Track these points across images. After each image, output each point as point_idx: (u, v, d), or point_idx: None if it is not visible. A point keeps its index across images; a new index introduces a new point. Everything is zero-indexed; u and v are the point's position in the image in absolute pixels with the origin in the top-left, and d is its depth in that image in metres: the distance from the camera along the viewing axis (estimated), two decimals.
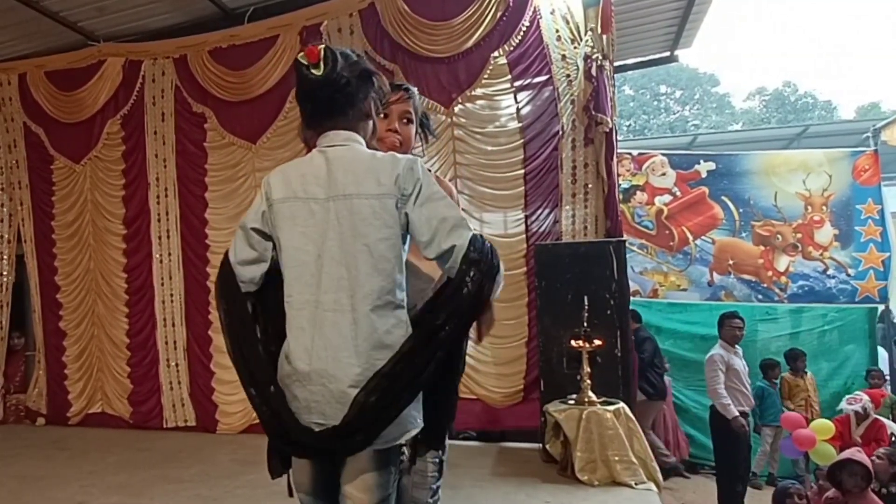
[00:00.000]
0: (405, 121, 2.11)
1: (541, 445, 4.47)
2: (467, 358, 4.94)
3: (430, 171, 1.78)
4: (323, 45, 1.68)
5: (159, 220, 6.07)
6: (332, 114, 1.73)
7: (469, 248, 1.59)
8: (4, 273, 6.58)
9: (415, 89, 2.17)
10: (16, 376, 6.67)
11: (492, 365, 5.09)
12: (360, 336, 1.58)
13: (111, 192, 6.25)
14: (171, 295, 6.02)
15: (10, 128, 6.57)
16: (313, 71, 1.69)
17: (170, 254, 6.04)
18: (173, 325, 6.00)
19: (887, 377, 6.49)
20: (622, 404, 4.14)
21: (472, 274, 1.58)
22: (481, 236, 1.64)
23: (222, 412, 5.78)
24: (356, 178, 1.65)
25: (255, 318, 1.75)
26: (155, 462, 4.89)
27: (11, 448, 5.49)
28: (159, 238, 6.07)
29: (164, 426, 5.94)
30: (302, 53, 1.70)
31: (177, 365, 5.98)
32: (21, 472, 4.68)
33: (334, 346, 1.59)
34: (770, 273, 6.63)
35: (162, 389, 5.99)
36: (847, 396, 5.62)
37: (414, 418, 1.67)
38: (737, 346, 5.42)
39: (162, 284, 6.04)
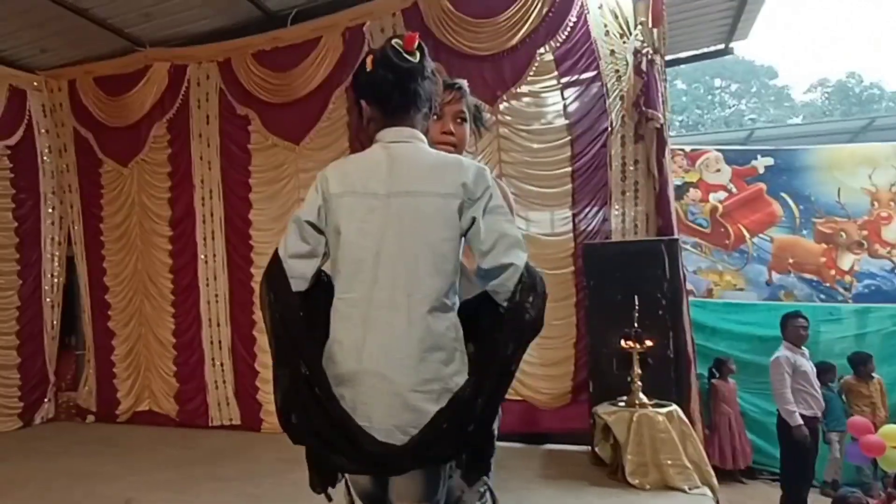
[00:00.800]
0: (459, 121, 2.11)
1: (590, 448, 4.50)
2: None
3: (497, 180, 1.82)
4: (417, 34, 1.73)
5: (204, 222, 6.33)
6: (411, 107, 1.73)
7: (524, 272, 1.59)
8: (55, 274, 6.93)
9: (465, 85, 2.15)
10: (67, 375, 7.03)
11: (539, 366, 5.14)
12: (415, 337, 1.58)
13: (157, 195, 6.54)
14: (216, 295, 6.26)
15: (61, 133, 6.94)
16: (409, 58, 1.70)
17: (215, 255, 6.28)
18: (218, 325, 6.24)
19: None
20: (675, 407, 4.15)
21: (531, 300, 1.58)
22: (531, 262, 1.65)
23: (266, 411, 5.98)
24: (421, 176, 1.65)
25: (304, 317, 1.68)
26: (201, 460, 5.10)
27: (62, 444, 5.80)
28: (204, 239, 6.32)
29: (210, 424, 6.18)
30: (397, 39, 1.71)
31: (222, 364, 6.21)
32: (71, 469, 4.94)
33: (387, 346, 1.59)
34: (833, 272, 6.48)
35: (207, 388, 6.24)
36: None
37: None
38: (803, 346, 5.32)
39: (207, 285, 6.29)
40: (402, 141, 1.73)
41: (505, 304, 1.60)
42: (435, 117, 2.07)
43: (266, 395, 6.00)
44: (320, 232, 1.71)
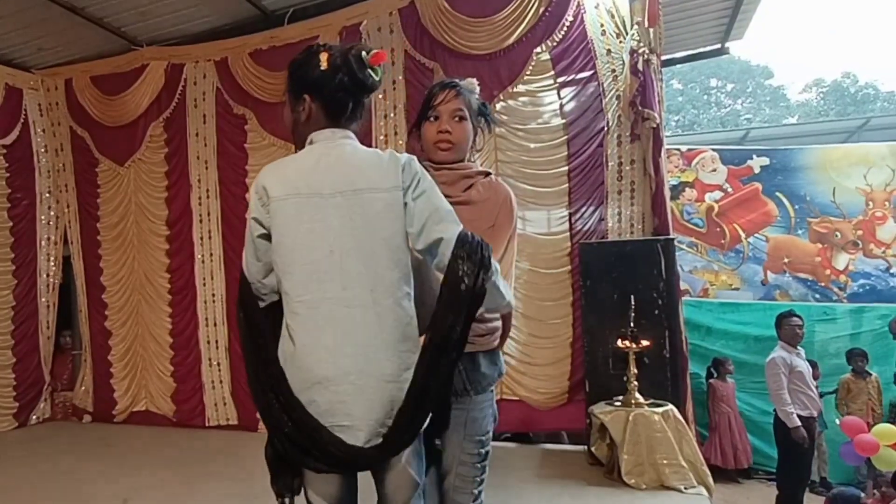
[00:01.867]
0: (457, 118, 2.07)
1: (586, 448, 4.50)
2: (510, 359, 5.03)
3: (498, 179, 1.91)
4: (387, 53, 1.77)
5: (201, 221, 6.31)
6: (357, 118, 1.78)
7: (457, 242, 1.60)
8: (51, 274, 6.90)
9: (465, 82, 2.13)
10: (63, 374, 6.99)
11: (535, 366, 5.14)
12: (386, 329, 1.61)
13: (154, 194, 6.51)
14: (213, 295, 6.24)
15: (57, 132, 6.91)
16: (373, 74, 1.73)
17: (211, 254, 6.26)
18: (215, 324, 6.22)
19: None
20: (671, 406, 4.15)
21: (465, 268, 1.58)
22: (470, 232, 1.64)
23: None
24: (364, 173, 1.67)
25: (270, 328, 1.72)
26: (198, 460, 5.09)
27: (59, 445, 5.79)
28: (201, 239, 6.30)
29: (207, 424, 6.16)
30: (367, 53, 1.72)
31: (219, 364, 6.19)
32: (68, 469, 4.92)
33: (361, 343, 1.60)
34: (828, 272, 6.50)
35: (204, 388, 6.22)
36: None
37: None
38: (798, 346, 5.33)
39: (204, 284, 6.27)
40: (336, 141, 1.73)
41: (442, 270, 1.63)
42: (432, 118, 2.07)
43: None
44: (270, 239, 1.71)
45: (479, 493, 2.01)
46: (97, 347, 6.74)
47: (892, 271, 6.43)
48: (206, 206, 6.30)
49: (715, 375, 6.33)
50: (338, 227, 1.63)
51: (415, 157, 1.72)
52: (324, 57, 1.72)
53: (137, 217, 6.59)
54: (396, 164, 1.67)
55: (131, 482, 4.54)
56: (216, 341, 6.21)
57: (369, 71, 1.72)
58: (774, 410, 5.25)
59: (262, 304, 1.75)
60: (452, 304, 1.60)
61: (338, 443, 1.59)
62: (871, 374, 6.07)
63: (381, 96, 5.60)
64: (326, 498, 1.76)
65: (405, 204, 1.65)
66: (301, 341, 1.64)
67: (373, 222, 1.63)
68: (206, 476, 4.63)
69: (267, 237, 1.70)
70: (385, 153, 1.72)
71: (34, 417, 6.65)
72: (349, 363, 1.60)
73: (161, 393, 6.41)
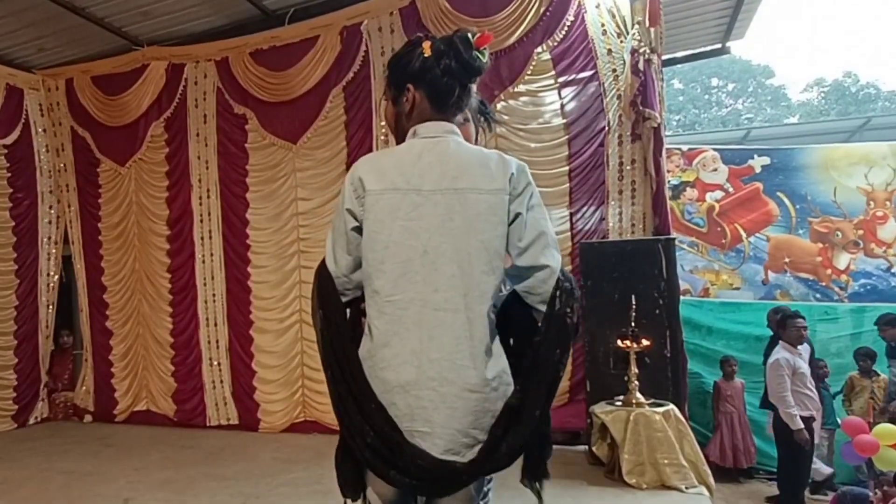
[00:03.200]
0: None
1: (587, 447, 4.50)
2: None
3: None
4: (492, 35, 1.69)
5: (202, 221, 6.32)
6: (462, 103, 1.69)
7: (561, 276, 1.55)
8: (51, 273, 6.91)
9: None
10: (64, 374, 7.01)
11: None
12: (476, 338, 1.53)
13: (155, 194, 6.52)
14: (214, 295, 6.25)
15: (58, 132, 6.92)
16: (480, 56, 1.64)
17: (212, 254, 6.27)
18: (215, 324, 6.23)
19: None
20: (672, 406, 4.15)
21: (573, 305, 1.54)
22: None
23: (264, 411, 5.97)
24: (468, 172, 1.58)
25: (350, 327, 1.66)
26: (199, 459, 5.10)
27: (60, 444, 5.79)
28: (202, 239, 6.31)
29: (208, 424, 6.17)
30: (473, 35, 1.64)
31: (219, 364, 6.20)
32: (69, 468, 4.93)
33: (448, 349, 1.52)
34: (829, 271, 6.48)
35: (205, 388, 6.23)
36: None
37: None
38: (799, 346, 5.30)
39: (204, 284, 6.28)
40: (440, 136, 1.65)
41: (543, 307, 1.56)
42: None
43: (263, 394, 6.00)
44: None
45: (488, 491, 1.98)
46: (98, 347, 6.75)
47: (893, 271, 6.41)
48: (207, 205, 6.31)
49: (721, 375, 6.29)
50: (435, 226, 1.55)
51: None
52: (426, 45, 1.66)
53: (138, 217, 6.61)
54: (505, 168, 1.60)
55: (132, 482, 4.54)
56: (217, 341, 6.22)
57: (476, 52, 1.63)
58: (775, 411, 5.22)
59: (343, 300, 1.66)
60: (561, 340, 1.55)
61: (421, 454, 1.50)
62: (878, 374, 6.05)
63: (381, 96, 5.57)
64: (383, 498, 1.68)
65: (515, 213, 1.58)
66: (386, 342, 1.56)
67: (473, 223, 1.55)
68: (207, 476, 4.63)
69: (359, 230, 1.61)
70: (493, 153, 1.65)
71: (33, 418, 6.67)
72: (434, 369, 1.52)
73: (161, 393, 6.42)
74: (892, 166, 6.56)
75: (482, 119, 2.14)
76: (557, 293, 1.54)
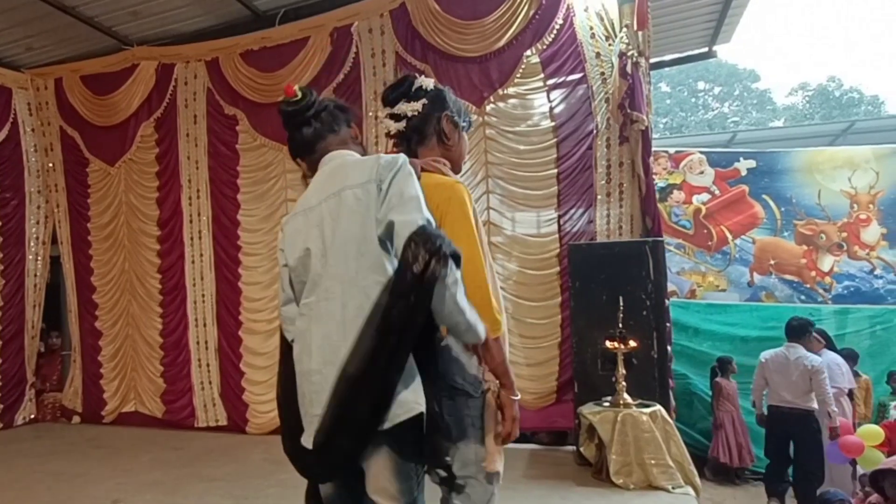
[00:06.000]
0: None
1: (575, 448, 4.49)
2: None
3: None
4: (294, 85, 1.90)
5: (192, 222, 6.26)
6: (317, 138, 1.90)
7: (416, 230, 1.58)
8: (38, 274, 6.81)
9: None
10: (53, 375, 6.92)
11: (524, 366, 5.12)
12: (348, 317, 1.61)
13: (145, 194, 6.45)
14: (203, 295, 6.19)
15: (47, 132, 6.84)
16: (292, 101, 1.90)
17: (202, 255, 6.21)
18: (205, 325, 6.17)
19: None
20: (659, 406, 4.14)
21: (420, 254, 1.55)
22: (434, 226, 1.64)
23: (253, 412, 5.92)
24: (341, 174, 1.74)
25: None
26: (188, 461, 5.04)
27: (48, 446, 5.72)
28: (192, 239, 6.25)
29: (196, 426, 6.10)
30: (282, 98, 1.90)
31: (208, 365, 6.15)
32: (57, 470, 4.85)
33: (327, 333, 1.63)
34: (813, 273, 6.50)
35: (194, 389, 6.16)
36: (895, 404, 5.51)
37: (409, 400, 1.62)
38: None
39: (194, 285, 6.22)
40: (329, 161, 1.85)
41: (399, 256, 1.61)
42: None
43: (252, 395, 5.95)
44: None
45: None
46: (87, 348, 6.67)
47: (875, 273, 6.44)
48: (197, 206, 6.25)
49: (720, 374, 6.31)
50: (318, 231, 1.71)
51: (404, 157, 1.72)
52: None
53: (128, 217, 6.53)
54: (376, 161, 1.71)
55: (121, 483, 4.48)
56: (206, 342, 6.16)
57: (289, 101, 1.88)
58: (810, 412, 5.24)
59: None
60: (395, 288, 1.57)
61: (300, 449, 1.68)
62: (859, 375, 6.09)
63: (371, 97, 5.58)
64: (324, 498, 1.79)
65: (384, 190, 1.66)
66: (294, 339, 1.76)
67: (346, 217, 1.67)
68: (196, 478, 4.58)
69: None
70: (370, 157, 1.76)
71: (20, 418, 6.57)
72: (320, 354, 1.64)
73: (150, 394, 6.35)
74: (874, 169, 6.59)
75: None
76: (405, 246, 1.58)
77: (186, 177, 6.29)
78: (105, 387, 6.56)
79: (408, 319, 1.56)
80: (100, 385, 6.58)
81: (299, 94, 1.86)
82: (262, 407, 5.88)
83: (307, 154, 1.89)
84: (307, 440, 1.65)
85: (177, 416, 6.19)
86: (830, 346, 5.79)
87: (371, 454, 1.64)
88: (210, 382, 6.13)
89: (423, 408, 1.62)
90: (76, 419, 6.64)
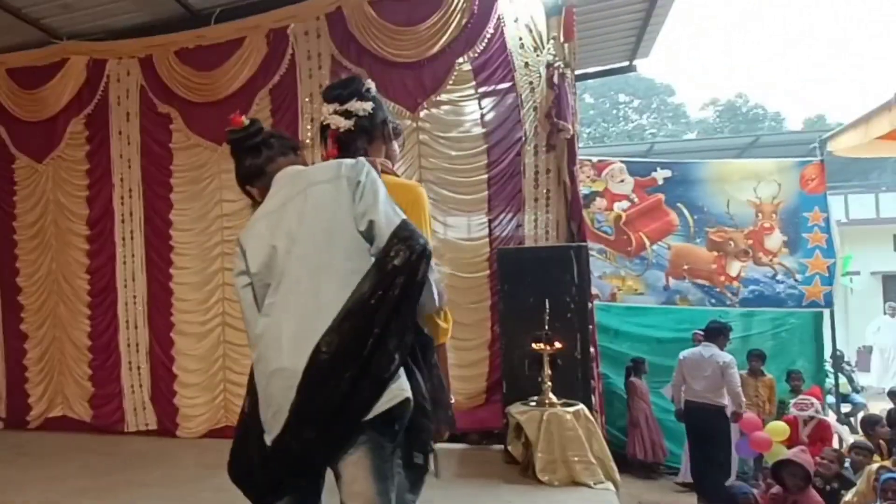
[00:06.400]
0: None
1: (503, 447, 4.40)
2: None
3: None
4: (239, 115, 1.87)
5: (123, 222, 5.84)
6: (266, 163, 1.87)
7: (398, 227, 1.59)
8: None
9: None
10: None
11: (455, 367, 4.95)
12: (323, 309, 1.54)
13: (74, 193, 5.99)
14: (135, 297, 5.79)
15: None
16: (238, 130, 1.89)
17: (133, 255, 5.81)
18: (136, 327, 5.77)
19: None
20: (581, 405, 4.09)
21: (399, 248, 1.56)
22: (413, 224, 1.65)
23: (184, 416, 5.57)
24: (309, 175, 1.73)
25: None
26: (118, 466, 4.70)
27: None
28: (123, 239, 5.84)
29: (126, 430, 5.70)
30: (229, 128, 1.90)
31: (139, 368, 5.74)
32: None
33: (300, 323, 1.56)
34: (723, 278, 6.63)
35: (123, 393, 5.75)
36: (795, 401, 5.67)
37: (393, 388, 1.56)
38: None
39: (125, 286, 5.81)
40: (284, 173, 1.80)
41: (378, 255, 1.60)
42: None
43: (184, 398, 5.59)
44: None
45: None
46: (11, 351, 6.15)
47: (777, 278, 6.63)
48: (129, 205, 5.84)
49: (633, 374, 6.36)
50: (293, 225, 1.65)
51: (365, 160, 1.74)
52: None
53: (56, 216, 6.04)
54: (339, 163, 1.72)
55: (47, 491, 4.13)
56: (136, 344, 5.76)
57: (235, 131, 1.87)
58: (719, 407, 5.31)
59: None
60: (377, 279, 1.55)
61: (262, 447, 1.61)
62: (764, 375, 6.24)
63: (307, 100, 5.36)
64: None
65: (356, 183, 1.65)
66: (259, 332, 1.66)
67: (310, 211, 1.64)
68: (127, 483, 4.27)
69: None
70: (331, 161, 1.81)
71: None
72: (290, 346, 1.55)
73: (78, 398, 5.88)
74: (777, 181, 6.78)
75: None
76: (394, 239, 1.58)
77: (118, 175, 5.86)
78: (30, 391, 6.04)
79: (392, 310, 1.53)
80: (24, 389, 6.05)
81: (246, 122, 1.84)
82: (194, 410, 5.54)
83: (258, 178, 1.83)
84: (269, 437, 1.56)
85: (106, 421, 5.76)
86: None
87: (347, 457, 1.55)
88: (140, 386, 5.73)
89: (408, 394, 1.58)
90: None
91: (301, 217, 1.64)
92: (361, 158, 1.74)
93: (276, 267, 1.63)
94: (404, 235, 1.58)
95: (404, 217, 1.63)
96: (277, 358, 1.57)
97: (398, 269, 1.54)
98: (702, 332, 5.95)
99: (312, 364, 1.50)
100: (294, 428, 1.51)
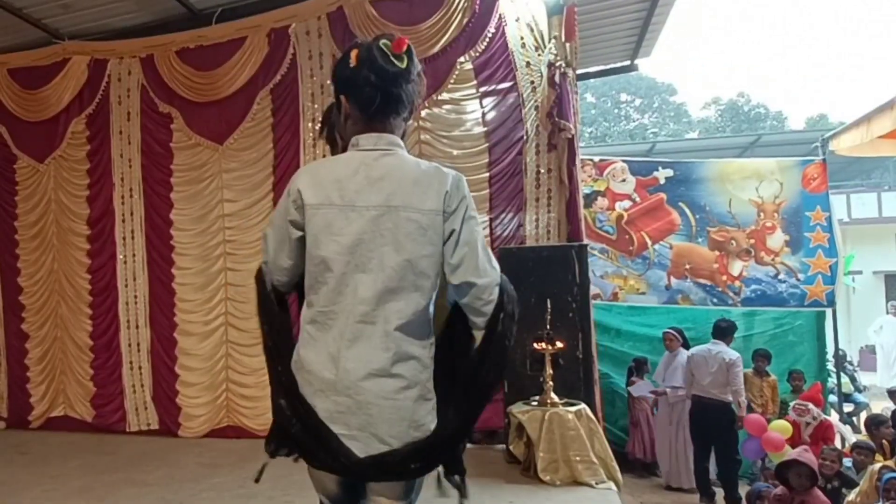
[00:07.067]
0: None
1: (504, 446, 4.40)
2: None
3: None
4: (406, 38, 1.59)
5: (124, 221, 5.85)
6: (391, 112, 1.59)
7: (505, 297, 1.54)
8: None
9: None
10: None
11: None
12: (391, 350, 1.50)
13: (75, 192, 6.00)
14: (136, 296, 5.79)
15: None
16: (396, 62, 1.55)
17: (134, 255, 5.82)
18: (137, 327, 5.78)
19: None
20: (583, 405, 4.10)
21: (513, 329, 1.56)
22: (507, 281, 1.58)
23: (186, 415, 5.57)
24: (403, 189, 1.53)
25: (287, 330, 1.68)
26: (119, 466, 4.71)
27: None
28: (124, 239, 5.84)
29: (127, 430, 5.71)
30: (385, 40, 1.55)
31: (140, 368, 5.75)
32: None
33: (364, 359, 1.50)
34: (724, 277, 6.63)
35: (125, 392, 5.76)
36: (793, 405, 5.66)
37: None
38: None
39: (126, 286, 5.81)
40: (382, 150, 1.58)
41: (481, 322, 1.55)
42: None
43: (185, 398, 5.60)
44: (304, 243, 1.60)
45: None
46: (13, 351, 6.16)
47: (779, 277, 6.62)
48: (130, 205, 5.85)
49: (635, 374, 6.35)
50: (366, 242, 1.52)
51: (463, 177, 1.59)
52: (353, 54, 1.58)
53: (57, 216, 6.05)
54: (440, 186, 1.54)
55: (48, 490, 4.14)
56: (137, 344, 5.76)
57: (392, 59, 1.55)
58: (727, 404, 5.34)
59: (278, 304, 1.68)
60: (499, 364, 1.58)
61: (346, 452, 1.51)
62: (769, 375, 6.23)
63: (309, 100, 5.36)
64: (327, 495, 1.67)
65: (450, 231, 1.54)
66: (311, 347, 1.56)
67: (401, 243, 1.51)
68: (128, 483, 4.28)
69: (303, 239, 1.58)
70: (432, 168, 1.58)
71: None
72: (350, 377, 1.50)
73: (80, 398, 5.89)
74: (779, 180, 6.76)
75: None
76: (501, 316, 1.53)
77: (119, 175, 5.87)
78: (32, 391, 6.04)
79: (496, 385, 1.62)
80: (26, 389, 6.06)
81: (404, 61, 1.56)
82: (196, 410, 5.55)
83: (370, 124, 1.58)
84: (358, 448, 1.51)
85: (107, 421, 5.76)
86: (686, 345, 5.98)
87: None
88: (142, 385, 5.73)
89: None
90: (1, 425, 6.11)
91: (383, 241, 1.52)
92: (461, 177, 1.59)
93: (335, 271, 1.53)
94: (510, 311, 1.55)
95: (498, 274, 1.57)
96: (325, 376, 1.53)
97: (511, 349, 1.60)
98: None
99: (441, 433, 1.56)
100: (401, 457, 1.53)
